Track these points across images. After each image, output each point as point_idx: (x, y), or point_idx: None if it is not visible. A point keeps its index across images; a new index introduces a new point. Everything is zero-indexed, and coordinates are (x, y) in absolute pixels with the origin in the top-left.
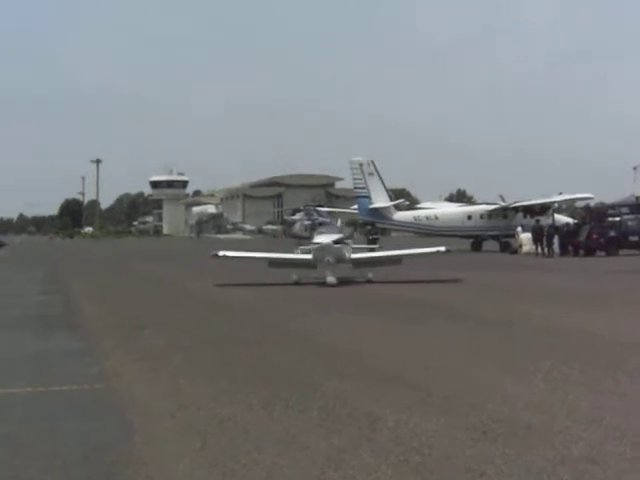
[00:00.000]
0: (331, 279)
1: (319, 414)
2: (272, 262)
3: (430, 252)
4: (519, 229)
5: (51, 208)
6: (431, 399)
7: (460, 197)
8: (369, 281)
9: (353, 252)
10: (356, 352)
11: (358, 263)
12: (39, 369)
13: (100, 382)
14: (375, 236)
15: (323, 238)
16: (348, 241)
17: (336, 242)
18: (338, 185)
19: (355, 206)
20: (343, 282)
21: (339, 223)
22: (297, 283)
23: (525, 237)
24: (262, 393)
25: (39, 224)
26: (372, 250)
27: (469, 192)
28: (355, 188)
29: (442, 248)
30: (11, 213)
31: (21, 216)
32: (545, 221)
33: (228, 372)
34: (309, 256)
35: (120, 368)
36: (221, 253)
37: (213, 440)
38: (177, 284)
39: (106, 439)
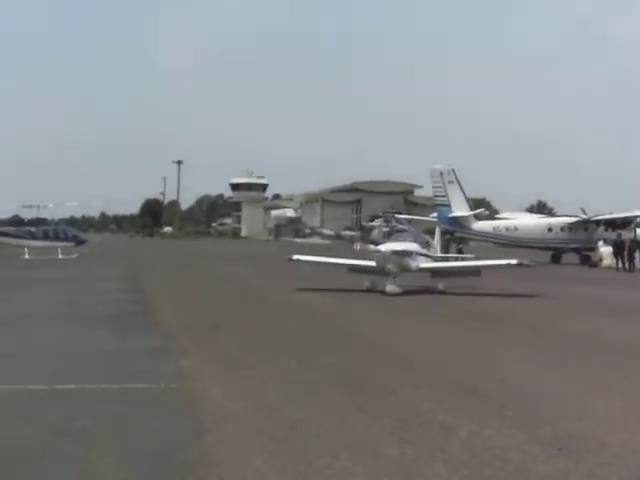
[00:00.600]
0: (390, 288)
1: (392, 421)
2: (351, 268)
3: (500, 264)
4: (600, 242)
5: (132, 207)
6: (505, 411)
7: (541, 209)
8: (442, 292)
9: (429, 260)
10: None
11: (435, 273)
12: (115, 366)
13: (175, 381)
14: (460, 246)
15: (386, 246)
16: (421, 249)
17: (398, 251)
18: (417, 193)
19: (434, 214)
20: (410, 291)
21: (419, 231)
22: (369, 290)
23: (606, 251)
24: (336, 398)
25: (120, 222)
26: (460, 259)
27: (550, 204)
28: (435, 196)
29: (513, 261)
30: (93, 211)
31: (103, 214)
32: (627, 235)
33: (302, 375)
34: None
35: (195, 368)
36: (295, 257)
37: (285, 443)
38: (253, 286)
39: (179, 438)
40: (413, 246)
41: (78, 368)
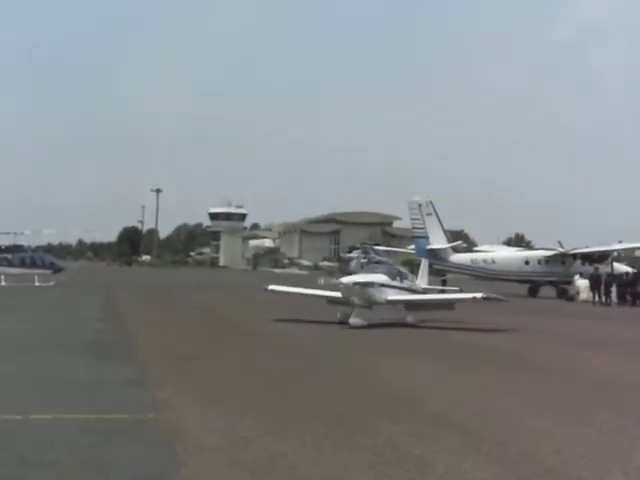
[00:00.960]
0: (354, 320)
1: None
2: (330, 300)
3: (466, 298)
4: (577, 277)
5: (110, 235)
6: (482, 445)
7: (518, 241)
8: (412, 325)
9: (404, 293)
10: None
11: (407, 306)
12: (91, 396)
13: (152, 412)
14: (444, 277)
15: (348, 277)
16: (391, 282)
17: (360, 282)
18: (396, 224)
19: (412, 246)
20: (377, 324)
21: (397, 263)
22: (341, 322)
23: (582, 284)
24: (314, 430)
25: (97, 250)
26: (443, 292)
27: (527, 237)
28: (413, 228)
29: (479, 294)
30: (70, 238)
31: (80, 242)
32: (604, 269)
33: (279, 407)
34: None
35: (172, 399)
36: (270, 288)
37: (262, 476)
38: (230, 316)
39: (155, 471)
40: (381, 278)
41: (53, 397)
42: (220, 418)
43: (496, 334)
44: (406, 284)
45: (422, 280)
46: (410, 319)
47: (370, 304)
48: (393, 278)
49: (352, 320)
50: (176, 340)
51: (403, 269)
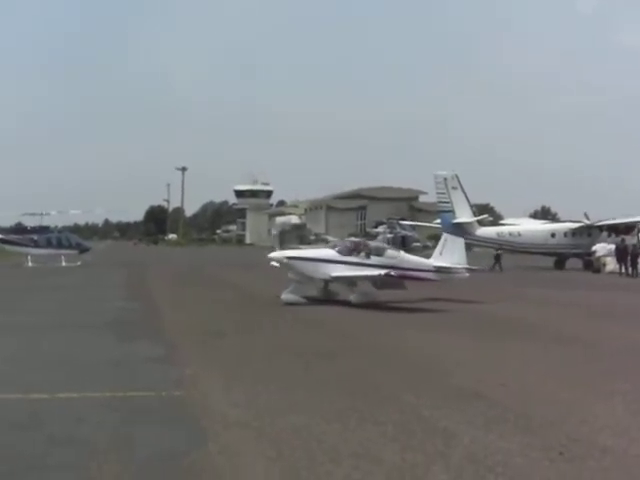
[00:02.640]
0: (286, 296)
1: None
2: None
3: (372, 275)
4: (597, 246)
5: (136, 214)
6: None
7: (544, 214)
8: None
9: (358, 269)
10: None
11: (375, 283)
12: (119, 374)
13: (178, 389)
14: (498, 252)
15: (280, 252)
16: (343, 257)
17: (291, 257)
18: (422, 199)
19: (438, 220)
20: (320, 301)
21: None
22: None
23: (602, 249)
24: (338, 404)
25: (124, 230)
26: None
27: (553, 209)
28: (438, 202)
29: (382, 272)
30: (97, 218)
31: (106, 222)
32: (630, 240)
33: (306, 383)
34: None
35: (199, 375)
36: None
37: (287, 450)
38: (255, 291)
39: (181, 447)
40: (325, 252)
41: (80, 376)
42: (245, 394)
43: (523, 307)
44: (374, 260)
45: (440, 257)
46: (353, 298)
47: (307, 279)
48: (349, 253)
49: (284, 295)
50: (203, 317)
51: (381, 244)
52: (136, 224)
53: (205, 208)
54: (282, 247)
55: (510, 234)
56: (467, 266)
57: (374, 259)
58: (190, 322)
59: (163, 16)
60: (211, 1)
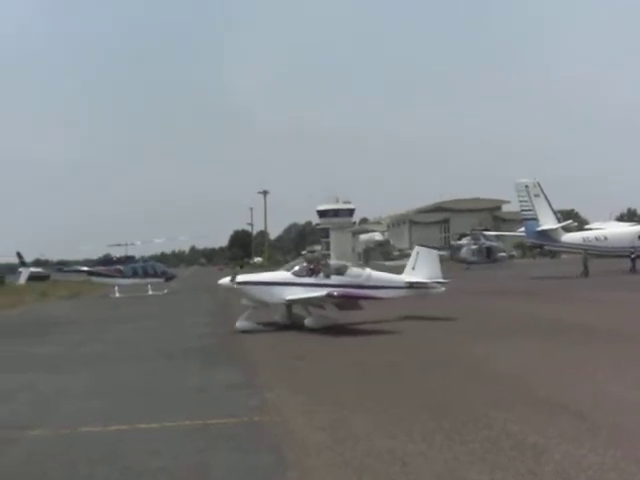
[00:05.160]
0: (240, 324)
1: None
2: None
3: (318, 297)
4: None
5: (221, 240)
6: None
7: (631, 216)
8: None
9: (315, 290)
10: None
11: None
12: (199, 401)
13: (258, 415)
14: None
15: (227, 278)
16: (296, 279)
17: (241, 282)
18: (505, 208)
19: (522, 229)
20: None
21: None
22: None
23: None
24: (423, 424)
25: (209, 256)
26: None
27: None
28: (522, 210)
29: (324, 292)
30: (182, 245)
31: (192, 249)
32: None
33: (386, 404)
34: None
35: (279, 400)
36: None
37: (369, 475)
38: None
39: (260, 474)
40: (280, 275)
41: (160, 406)
42: (326, 417)
43: (597, 311)
44: (335, 280)
45: (412, 272)
46: (307, 321)
47: (261, 304)
48: (307, 274)
49: (238, 323)
50: (283, 342)
51: (344, 263)
52: (222, 249)
53: (289, 230)
54: (367, 264)
55: (596, 238)
56: (442, 280)
57: (335, 279)
58: (271, 346)
59: (249, 39)
60: (298, 24)
